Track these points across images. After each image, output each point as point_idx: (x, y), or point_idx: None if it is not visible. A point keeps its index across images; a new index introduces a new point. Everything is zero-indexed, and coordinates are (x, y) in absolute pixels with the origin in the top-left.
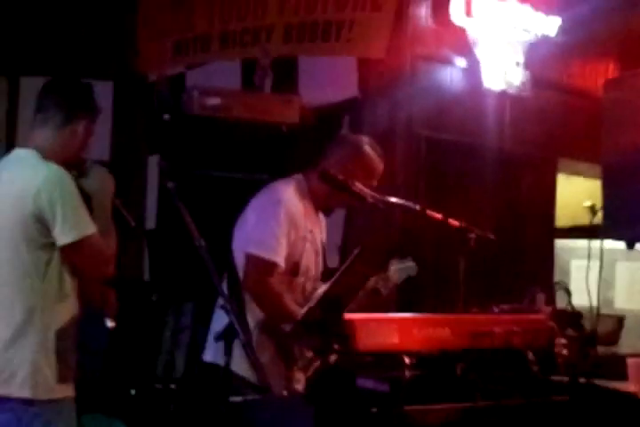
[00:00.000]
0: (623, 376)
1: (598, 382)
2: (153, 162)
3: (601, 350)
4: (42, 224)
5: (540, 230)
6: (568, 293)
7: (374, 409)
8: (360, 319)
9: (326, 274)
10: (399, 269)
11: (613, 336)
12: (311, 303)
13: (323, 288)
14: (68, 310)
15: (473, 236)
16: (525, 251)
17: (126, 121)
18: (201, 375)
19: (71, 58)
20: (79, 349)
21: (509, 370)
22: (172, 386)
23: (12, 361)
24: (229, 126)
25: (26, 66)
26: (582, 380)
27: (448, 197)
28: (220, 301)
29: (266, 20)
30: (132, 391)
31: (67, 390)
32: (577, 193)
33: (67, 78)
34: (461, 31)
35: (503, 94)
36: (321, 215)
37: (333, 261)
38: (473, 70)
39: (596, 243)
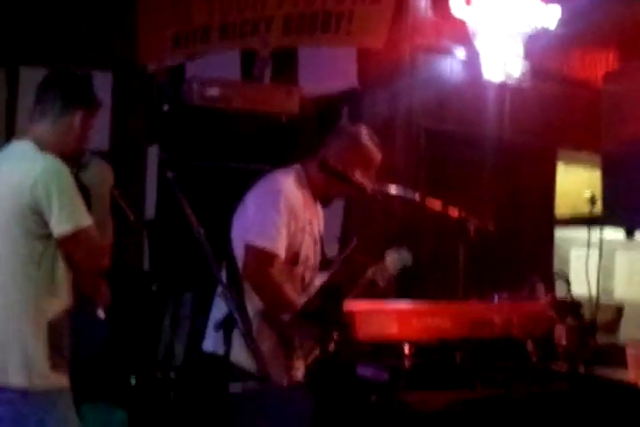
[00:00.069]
0: (622, 365)
1: (598, 371)
2: (152, 152)
3: (600, 339)
4: (38, 215)
5: (539, 220)
6: (567, 282)
7: (374, 397)
8: (359, 309)
9: (325, 264)
10: (395, 260)
11: (613, 325)
12: (310, 293)
13: (321, 278)
14: (61, 300)
15: (472, 226)
16: (525, 240)
17: (126, 111)
18: (200, 365)
19: (71, 48)
20: (78, 339)
21: (509, 359)
22: (172, 375)
23: (6, 350)
24: (229, 117)
25: (25, 56)
26: (582, 369)
27: (448, 187)
28: (220, 290)
29: (265, 11)
30: (133, 380)
31: (62, 379)
32: (576, 183)
33: (66, 71)
34: (461, 22)
35: (503, 85)
36: (318, 205)
37: (332, 252)
38: (473, 61)
39: (595, 232)
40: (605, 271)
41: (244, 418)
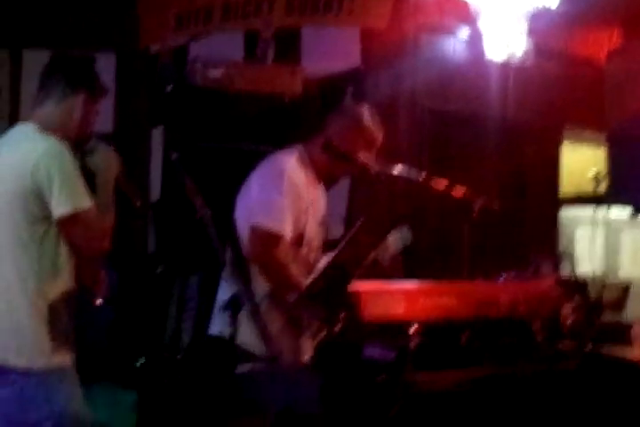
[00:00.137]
0: (628, 343)
1: (604, 349)
2: (156, 134)
3: (606, 317)
4: (39, 197)
5: (544, 199)
6: (573, 261)
7: (381, 378)
8: (365, 289)
9: (329, 245)
10: (397, 238)
11: (619, 304)
12: (315, 274)
13: (326, 259)
14: (62, 282)
15: (477, 205)
16: (530, 220)
17: (129, 93)
18: (207, 348)
19: (74, 30)
20: (84, 322)
21: (515, 338)
22: (179, 356)
23: (8, 330)
24: (232, 98)
25: (28, 39)
26: (588, 347)
27: (452, 167)
28: (226, 271)
29: None
30: (141, 362)
31: (64, 359)
32: (581, 162)
33: (69, 54)
34: (464, 2)
35: (506, 64)
36: (321, 186)
37: (338, 232)
38: (476, 41)
39: (600, 211)
40: (611, 250)
41: (251, 399)
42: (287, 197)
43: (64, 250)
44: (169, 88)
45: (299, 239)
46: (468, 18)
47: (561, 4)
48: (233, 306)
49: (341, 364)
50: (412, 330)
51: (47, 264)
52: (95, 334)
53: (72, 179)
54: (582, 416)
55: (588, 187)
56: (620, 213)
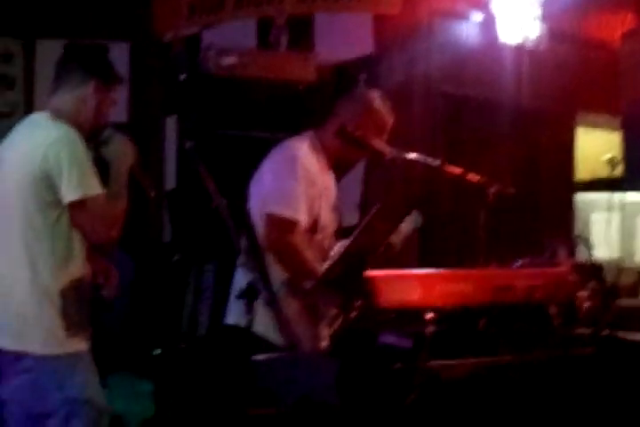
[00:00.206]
0: None
1: (621, 334)
2: (171, 122)
3: (623, 302)
4: (49, 182)
5: (559, 184)
6: (589, 246)
7: (397, 365)
8: (381, 276)
9: (344, 231)
10: (408, 222)
11: (635, 288)
12: (331, 261)
13: (341, 245)
14: (75, 268)
15: (492, 190)
16: (545, 205)
17: (143, 82)
18: (223, 338)
19: (87, 20)
20: (100, 311)
21: (531, 324)
22: (196, 346)
23: (22, 317)
24: (246, 85)
25: (42, 28)
26: (605, 332)
27: (465, 152)
28: (241, 259)
29: None
30: (157, 351)
31: (78, 345)
32: (596, 146)
33: (83, 43)
34: None
35: (520, 48)
36: (331, 173)
37: (353, 219)
38: (489, 25)
39: (616, 196)
40: (627, 234)
41: (267, 388)
42: (301, 184)
43: (76, 236)
44: (182, 77)
45: (313, 226)
46: (481, 1)
47: None
48: (249, 294)
49: (357, 351)
50: (427, 317)
51: (60, 250)
52: (112, 324)
53: (82, 165)
54: (599, 401)
55: (603, 171)
56: (635, 197)
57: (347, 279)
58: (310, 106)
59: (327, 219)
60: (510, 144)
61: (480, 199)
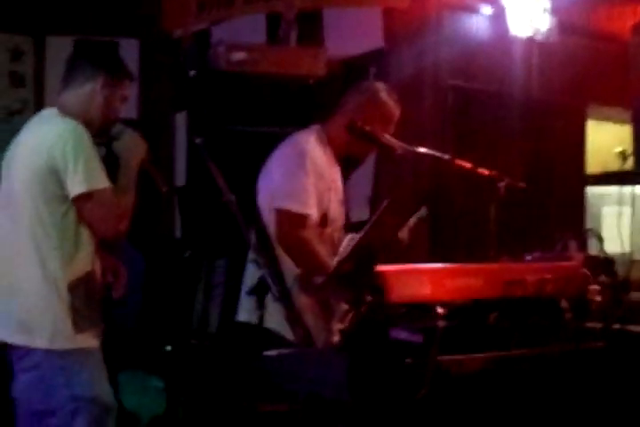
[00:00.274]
0: None
1: (632, 328)
2: (180, 119)
3: (634, 296)
4: (56, 177)
5: (570, 177)
6: (600, 239)
7: (408, 360)
8: (392, 271)
9: (355, 226)
10: None
11: None
12: (342, 256)
13: (349, 239)
14: (83, 262)
15: (503, 184)
16: (556, 198)
17: (153, 78)
18: (234, 334)
19: (97, 17)
20: (112, 307)
21: (543, 318)
22: (207, 342)
23: (31, 312)
24: (256, 81)
25: (52, 25)
26: (616, 326)
27: (476, 145)
28: (251, 255)
29: None
30: (168, 348)
31: (87, 340)
32: (607, 139)
33: (93, 40)
34: None
35: (530, 41)
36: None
37: (364, 214)
38: (499, 17)
39: (627, 189)
40: (638, 228)
41: (279, 384)
42: (310, 178)
43: (85, 231)
44: (192, 73)
45: (323, 219)
46: None
47: None
48: (260, 290)
49: (368, 347)
50: (438, 312)
51: (67, 244)
52: (123, 321)
53: (88, 159)
54: (610, 395)
55: (613, 165)
56: None
57: (357, 274)
58: (320, 101)
59: (336, 212)
60: (520, 138)
61: (490, 193)
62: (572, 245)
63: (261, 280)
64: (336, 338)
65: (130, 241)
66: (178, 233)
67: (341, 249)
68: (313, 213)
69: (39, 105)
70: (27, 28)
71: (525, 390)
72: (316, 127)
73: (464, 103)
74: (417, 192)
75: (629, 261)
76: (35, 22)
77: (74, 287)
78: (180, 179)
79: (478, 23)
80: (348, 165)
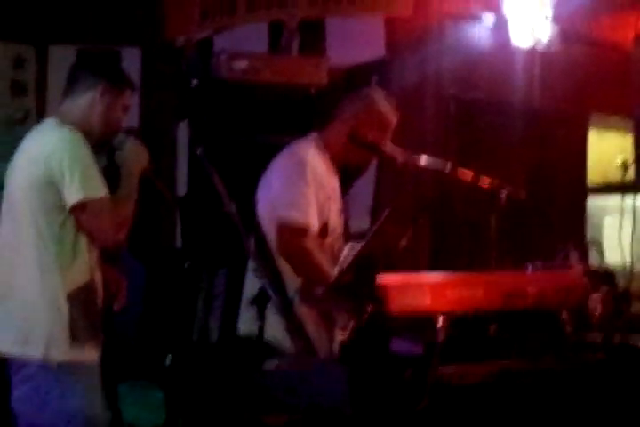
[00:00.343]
0: None
1: (633, 340)
2: (182, 128)
3: (635, 307)
4: (53, 186)
5: (572, 187)
6: (601, 250)
7: (409, 371)
8: (392, 281)
9: (355, 236)
10: None
11: None
12: (342, 266)
13: (349, 248)
14: (82, 272)
15: (504, 194)
16: (557, 209)
17: (155, 87)
18: (235, 346)
19: (99, 26)
20: (112, 318)
21: (543, 330)
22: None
23: (28, 321)
24: (258, 90)
25: (54, 35)
26: (617, 338)
27: (478, 154)
28: (251, 265)
29: None
30: (168, 359)
31: (85, 353)
32: (608, 149)
33: (95, 49)
34: None
35: (532, 50)
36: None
37: (364, 222)
38: (501, 27)
39: (629, 200)
40: (639, 238)
41: (279, 395)
42: (311, 188)
43: (83, 241)
44: (194, 82)
45: (323, 229)
46: (492, 4)
47: None
48: (260, 300)
49: (368, 358)
50: (439, 323)
51: (65, 254)
52: (123, 331)
53: (84, 168)
54: (611, 408)
55: (615, 175)
56: None
57: (358, 285)
58: (322, 110)
59: (335, 221)
60: (522, 147)
61: (491, 203)
62: (573, 255)
63: (262, 290)
64: (336, 349)
65: (130, 251)
66: (178, 243)
67: (342, 258)
68: (314, 222)
69: (41, 114)
70: (29, 37)
71: (525, 402)
72: (313, 135)
73: (466, 112)
74: (418, 201)
75: (630, 272)
76: (37, 31)
77: (72, 297)
78: (182, 188)
79: (480, 32)
80: (349, 174)
